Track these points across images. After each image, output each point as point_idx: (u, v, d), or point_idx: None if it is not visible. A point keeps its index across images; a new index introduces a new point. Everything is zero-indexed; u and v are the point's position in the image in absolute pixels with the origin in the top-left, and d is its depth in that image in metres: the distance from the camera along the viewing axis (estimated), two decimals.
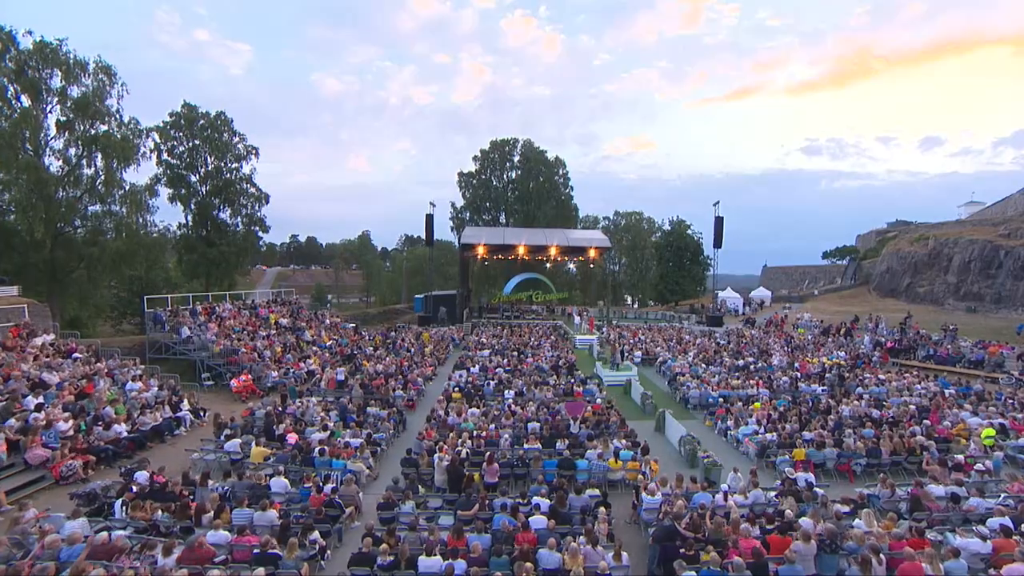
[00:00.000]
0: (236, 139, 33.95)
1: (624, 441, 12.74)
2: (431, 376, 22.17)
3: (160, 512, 8.89)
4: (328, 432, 13.29)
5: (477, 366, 22.07)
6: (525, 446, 12.80)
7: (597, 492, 10.15)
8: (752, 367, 21.38)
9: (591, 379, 19.78)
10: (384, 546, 7.58)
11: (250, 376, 18.93)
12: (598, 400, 16.43)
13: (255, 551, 7.53)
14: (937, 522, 8.93)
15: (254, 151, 34.65)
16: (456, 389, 18.18)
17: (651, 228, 71.84)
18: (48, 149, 24.41)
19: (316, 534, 8.34)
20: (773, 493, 10.11)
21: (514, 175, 54.94)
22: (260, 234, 36.93)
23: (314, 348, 24.19)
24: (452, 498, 10.21)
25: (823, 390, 17.52)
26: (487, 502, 9.50)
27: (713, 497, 9.75)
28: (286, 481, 10.53)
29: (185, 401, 15.57)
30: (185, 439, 14.33)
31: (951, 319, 29.71)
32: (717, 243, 36.22)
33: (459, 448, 12.06)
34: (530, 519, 8.84)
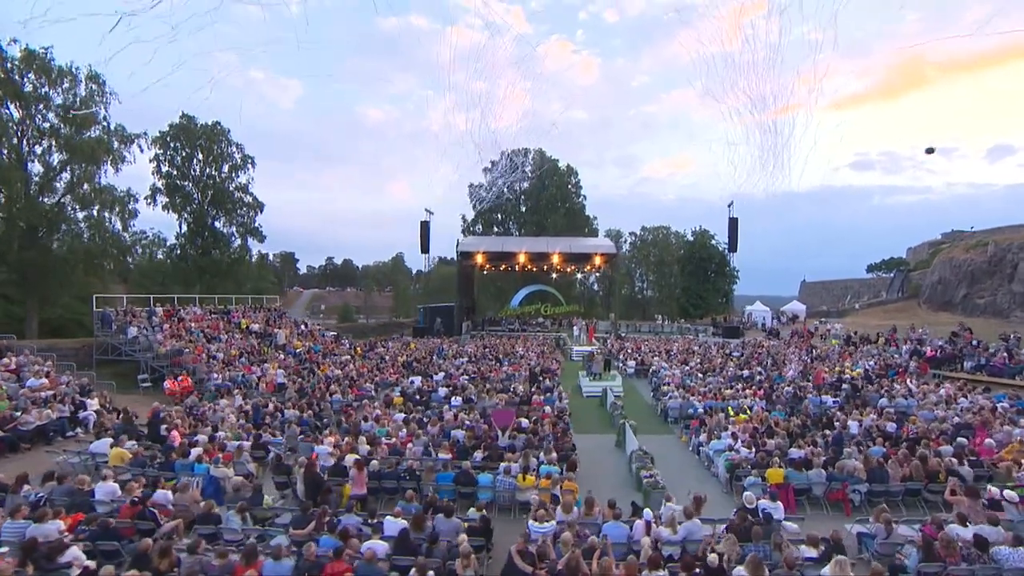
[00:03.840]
0: (233, 149, 34.07)
1: (553, 455, 10.27)
2: (394, 383, 20.23)
3: None
4: (213, 433, 11.49)
5: (441, 373, 20.00)
6: (439, 456, 10.59)
7: (478, 515, 7.77)
8: (758, 377, 18.24)
9: (556, 387, 17.26)
10: (132, 572, 5.58)
11: (189, 378, 17.58)
12: (546, 410, 13.93)
13: None
14: None
15: (250, 160, 34.67)
16: (399, 394, 16.15)
17: (679, 242, 68.55)
18: (32, 154, 24.66)
19: (75, 552, 6.39)
20: (722, 526, 7.41)
21: (526, 185, 53.38)
22: (296, 257, 36.95)
23: (280, 354, 22.78)
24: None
25: (834, 402, 14.29)
26: (327, 519, 7.33)
27: (631, 528, 7.21)
28: (115, 486, 8.70)
29: (94, 401, 14.22)
30: (82, 441, 12.87)
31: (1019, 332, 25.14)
32: (732, 247, 33.07)
33: (343, 455, 9.95)
34: (365, 544, 6.63)
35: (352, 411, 15.99)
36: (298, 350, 24.25)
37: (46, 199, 24.54)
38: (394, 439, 11.51)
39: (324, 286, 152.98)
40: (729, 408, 13.97)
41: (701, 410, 14.01)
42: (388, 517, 7.41)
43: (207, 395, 15.69)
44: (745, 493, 7.90)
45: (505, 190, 55.24)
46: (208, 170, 33.34)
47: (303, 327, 27.53)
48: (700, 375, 18.95)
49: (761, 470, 9.26)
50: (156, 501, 8.33)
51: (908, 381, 16.30)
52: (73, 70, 25.58)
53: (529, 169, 53.89)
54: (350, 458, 10.06)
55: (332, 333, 28.71)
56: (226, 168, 33.95)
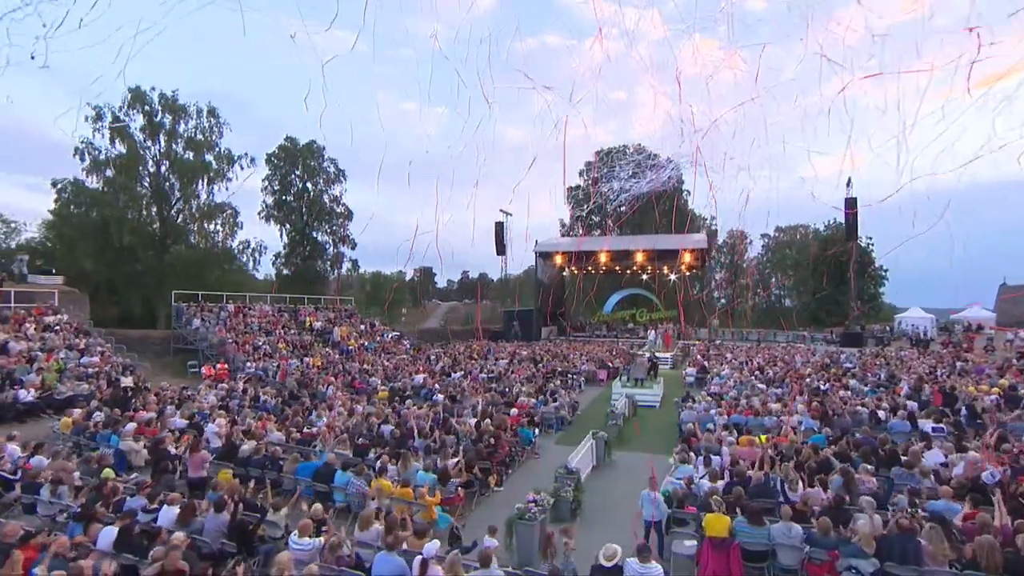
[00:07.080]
0: (327, 163, 37.54)
1: (450, 463, 8.20)
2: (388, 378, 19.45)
3: None
4: (158, 411, 11.75)
5: (459, 372, 18.72)
6: (335, 451, 9.31)
7: (277, 519, 6.23)
8: (842, 391, 13.39)
9: (556, 392, 14.67)
10: None
11: (226, 365, 18.93)
12: (512, 412, 11.67)
13: None
14: None
15: (342, 174, 37.83)
16: (386, 388, 15.25)
17: (818, 242, 58.03)
18: (165, 178, 29.70)
19: None
20: None
21: (623, 183, 49.80)
22: (434, 272, 39.54)
23: (328, 350, 23.70)
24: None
25: (935, 429, 9.43)
26: (113, 502, 6.50)
27: (410, 565, 5.03)
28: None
29: (129, 378, 15.84)
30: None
31: None
32: (850, 235, 26.06)
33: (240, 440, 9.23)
34: (102, 532, 5.62)
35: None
36: (351, 347, 25.02)
37: (171, 214, 29.36)
38: (313, 429, 10.53)
39: (461, 299, 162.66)
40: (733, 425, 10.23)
41: (718, 425, 10.47)
42: (165, 504, 6.30)
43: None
44: (608, 545, 5.03)
45: (608, 189, 52.52)
46: (307, 184, 37.18)
47: (365, 327, 28.50)
48: (762, 386, 14.62)
49: (699, 514, 6.10)
50: (33, 466, 8.44)
51: None
52: (197, 105, 30.50)
53: (631, 165, 50.40)
54: (248, 444, 9.38)
55: (395, 334, 29.26)
56: (321, 181, 37.52)
